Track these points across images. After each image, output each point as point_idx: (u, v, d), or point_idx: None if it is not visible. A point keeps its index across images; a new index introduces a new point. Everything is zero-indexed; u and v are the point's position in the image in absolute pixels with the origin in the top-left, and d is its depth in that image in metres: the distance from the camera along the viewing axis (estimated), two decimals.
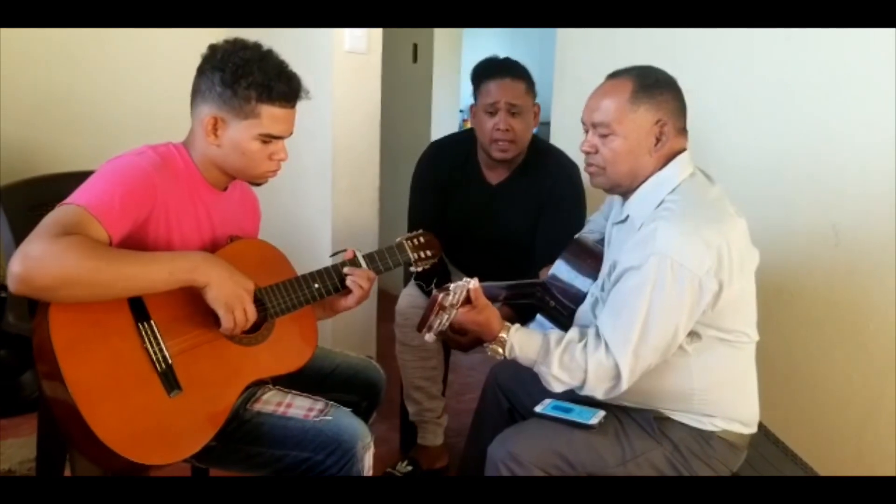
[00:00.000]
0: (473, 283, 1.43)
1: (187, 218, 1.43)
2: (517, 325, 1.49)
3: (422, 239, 1.73)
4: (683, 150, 1.47)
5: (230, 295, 1.34)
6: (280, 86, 1.42)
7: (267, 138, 1.44)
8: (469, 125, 2.22)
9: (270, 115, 1.43)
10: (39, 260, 1.17)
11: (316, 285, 1.55)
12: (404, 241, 1.70)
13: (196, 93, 1.45)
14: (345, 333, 2.46)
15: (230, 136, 1.43)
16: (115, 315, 1.28)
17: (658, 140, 1.44)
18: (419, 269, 1.73)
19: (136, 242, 1.34)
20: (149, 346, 1.30)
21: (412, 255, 1.70)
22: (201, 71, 1.44)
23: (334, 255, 1.68)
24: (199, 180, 1.47)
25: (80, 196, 1.28)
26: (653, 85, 1.44)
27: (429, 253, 1.73)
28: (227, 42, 1.44)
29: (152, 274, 1.27)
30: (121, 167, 1.35)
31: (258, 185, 1.56)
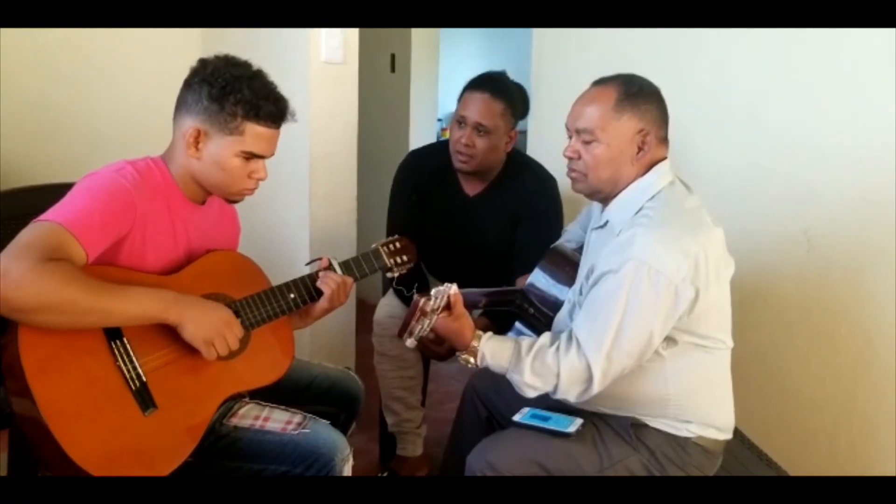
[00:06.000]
0: (454, 288, 1.44)
1: (163, 234, 1.42)
2: (489, 334, 1.50)
3: (397, 244, 1.73)
4: (664, 158, 1.49)
5: (207, 330, 1.34)
6: (268, 106, 1.42)
7: (248, 156, 1.44)
8: (447, 135, 2.22)
9: (254, 133, 1.42)
10: (18, 282, 1.15)
11: (291, 295, 1.54)
12: (380, 248, 1.71)
13: (181, 105, 1.44)
14: (323, 344, 2.45)
15: (211, 150, 1.42)
16: (87, 333, 1.27)
17: (640, 149, 1.46)
18: (396, 274, 1.73)
19: (109, 257, 1.32)
20: (122, 365, 1.29)
21: (388, 261, 1.70)
22: (188, 84, 1.43)
23: (310, 263, 1.67)
24: (177, 195, 1.46)
25: (58, 213, 1.26)
26: (637, 94, 1.45)
27: (405, 258, 1.73)
28: (217, 58, 1.44)
29: (127, 311, 1.26)
30: (100, 184, 1.34)
31: (233, 202, 1.55)
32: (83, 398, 1.24)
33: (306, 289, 1.57)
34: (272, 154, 1.49)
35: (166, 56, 2.69)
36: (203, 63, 1.44)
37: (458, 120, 2.04)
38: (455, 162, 2.08)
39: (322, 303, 1.57)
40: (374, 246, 1.71)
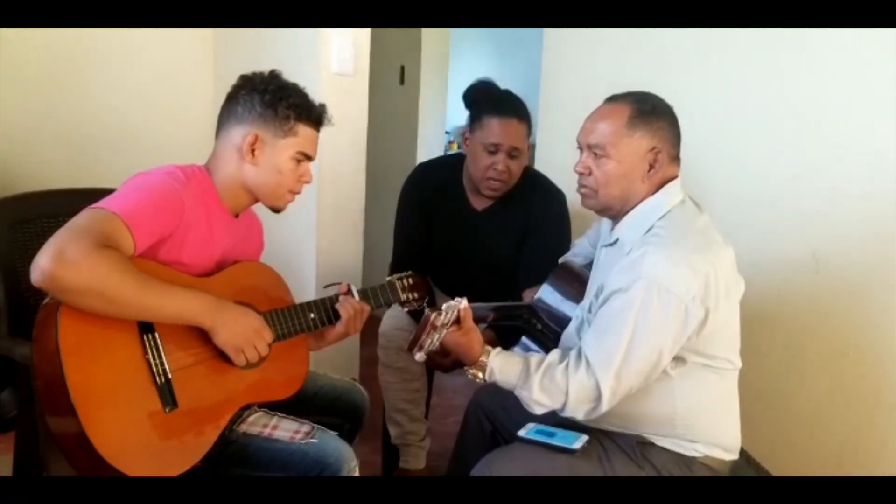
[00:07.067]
0: (464, 303, 1.44)
1: (201, 239, 1.45)
2: (498, 349, 1.50)
3: (411, 280, 1.79)
4: (675, 177, 1.49)
5: (238, 338, 1.37)
6: (315, 108, 1.54)
7: (301, 157, 1.52)
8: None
9: (306, 134, 1.52)
10: (75, 263, 1.18)
11: (312, 315, 1.57)
12: (395, 281, 1.76)
13: (229, 116, 1.50)
14: (328, 355, 2.42)
15: (268, 154, 1.49)
16: (121, 323, 1.29)
17: (651, 167, 1.46)
18: (406, 309, 1.81)
19: (148, 255, 1.35)
20: (150, 358, 1.31)
21: (402, 296, 1.76)
22: (235, 97, 1.51)
23: (328, 286, 1.70)
24: (217, 204, 1.50)
25: (114, 203, 1.29)
26: (650, 112, 1.46)
27: (416, 294, 1.79)
28: (257, 73, 1.53)
29: (166, 308, 1.30)
30: (154, 184, 1.38)
31: (278, 210, 1.59)
32: (110, 386, 1.26)
33: (325, 311, 1.60)
34: (315, 157, 1.57)
35: (174, 63, 2.70)
36: (247, 78, 1.52)
37: (489, 149, 2.01)
38: (485, 190, 2.08)
39: (339, 327, 1.60)
40: (388, 279, 1.76)
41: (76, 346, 1.22)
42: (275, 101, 1.47)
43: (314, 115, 1.53)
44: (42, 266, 1.17)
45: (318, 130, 1.56)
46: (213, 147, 1.54)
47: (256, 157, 1.48)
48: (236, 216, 1.57)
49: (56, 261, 1.17)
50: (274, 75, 1.52)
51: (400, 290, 1.76)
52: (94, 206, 1.29)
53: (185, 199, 1.39)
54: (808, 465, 2.02)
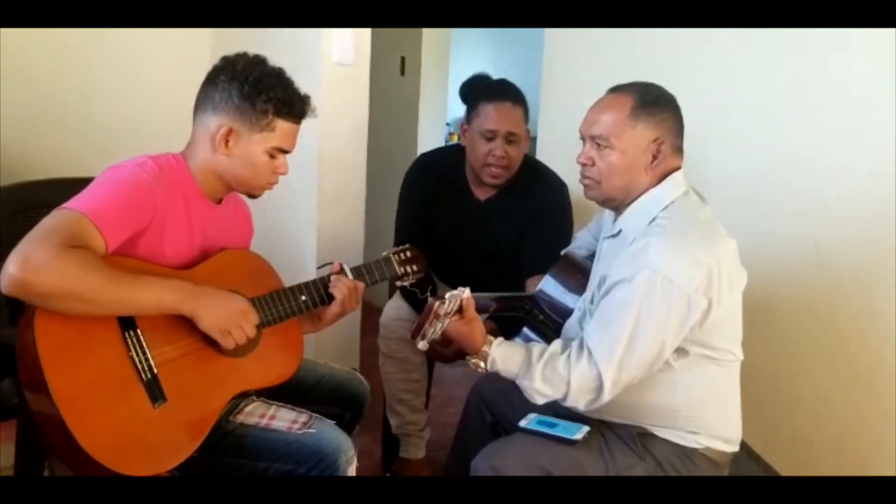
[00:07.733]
0: (467, 292, 1.44)
1: (181, 230, 1.42)
2: (500, 339, 1.49)
3: (408, 253, 1.74)
4: (678, 168, 1.49)
5: (223, 320, 1.35)
6: (297, 103, 1.46)
7: (276, 152, 1.47)
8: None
9: (283, 129, 1.45)
10: (42, 268, 1.16)
11: (303, 297, 1.54)
12: (391, 255, 1.72)
13: (206, 102, 1.44)
14: (328, 345, 2.45)
15: (242, 147, 1.44)
16: (102, 322, 1.27)
17: (654, 157, 1.45)
18: (405, 283, 1.75)
19: (127, 250, 1.33)
20: (134, 355, 1.29)
21: (399, 270, 1.71)
22: (214, 81, 1.44)
23: (321, 267, 1.68)
24: (195, 192, 1.47)
25: (81, 202, 1.27)
26: (653, 102, 1.45)
27: (415, 268, 1.74)
28: (239, 56, 1.46)
29: (144, 299, 1.28)
30: (124, 177, 1.34)
31: (254, 197, 1.56)
32: (95, 386, 1.24)
33: (318, 292, 1.57)
34: (294, 149, 1.51)
35: (176, 53, 2.69)
36: (228, 61, 1.45)
37: (486, 136, 2.01)
38: (486, 177, 2.07)
39: (334, 307, 1.58)
40: (385, 253, 1.72)
41: (56, 351, 1.20)
42: (253, 93, 1.40)
43: (295, 110, 1.45)
44: (10, 273, 1.15)
45: (297, 124, 1.49)
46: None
47: (230, 148, 1.43)
48: (219, 202, 1.53)
49: (23, 267, 1.15)
50: (257, 62, 1.45)
51: (396, 264, 1.71)
52: (61, 206, 1.26)
53: (157, 190, 1.35)
54: (808, 455, 2.02)
